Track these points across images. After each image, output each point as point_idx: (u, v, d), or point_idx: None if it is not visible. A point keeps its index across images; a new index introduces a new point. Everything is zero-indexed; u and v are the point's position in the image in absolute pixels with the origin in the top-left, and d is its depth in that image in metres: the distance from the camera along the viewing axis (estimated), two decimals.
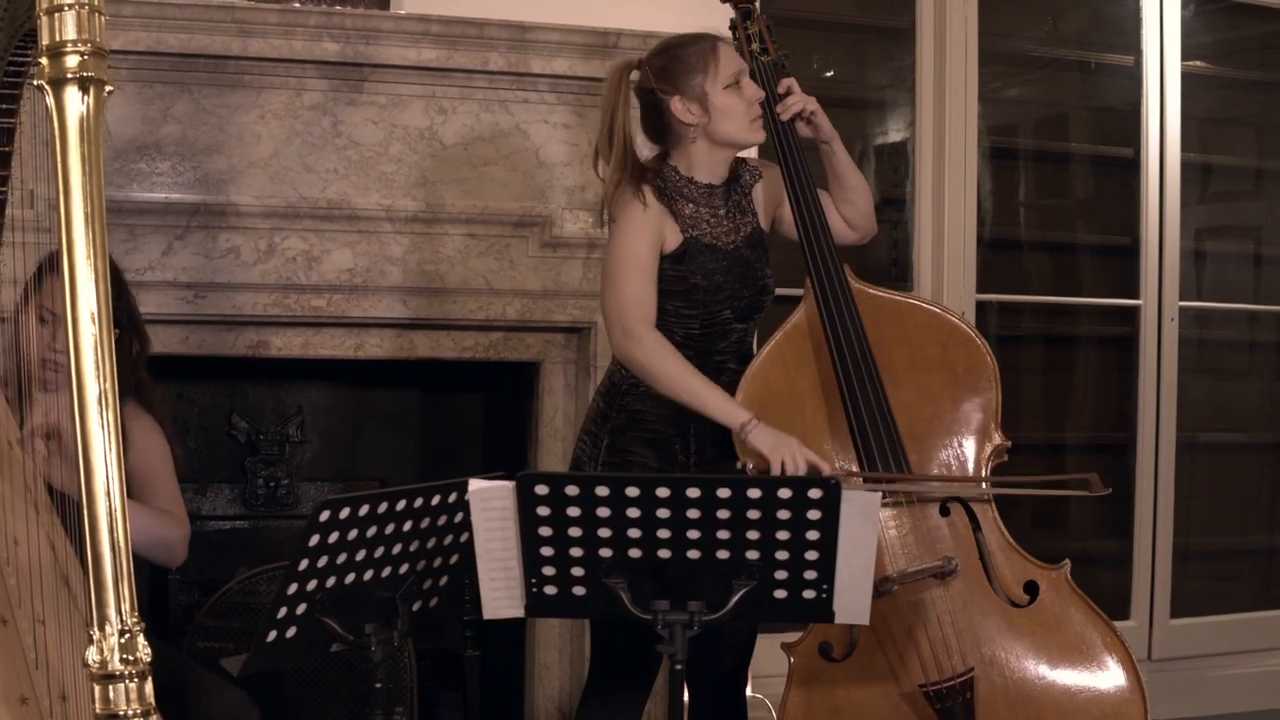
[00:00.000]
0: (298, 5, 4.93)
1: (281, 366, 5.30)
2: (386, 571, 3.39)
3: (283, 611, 3.26)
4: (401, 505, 3.32)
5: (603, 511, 3.30)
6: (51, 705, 3.04)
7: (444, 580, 3.57)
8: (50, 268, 3.58)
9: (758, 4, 4.41)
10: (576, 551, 3.35)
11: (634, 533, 3.31)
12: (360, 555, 3.30)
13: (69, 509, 3.34)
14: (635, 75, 4.14)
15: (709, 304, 4.08)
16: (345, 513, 3.22)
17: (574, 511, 3.30)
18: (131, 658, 2.28)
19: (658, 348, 3.97)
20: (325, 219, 4.96)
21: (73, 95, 2.30)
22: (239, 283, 4.90)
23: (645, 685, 4.17)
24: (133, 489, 3.61)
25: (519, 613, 3.45)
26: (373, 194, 5.02)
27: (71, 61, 2.29)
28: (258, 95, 4.93)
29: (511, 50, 5.07)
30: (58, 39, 2.29)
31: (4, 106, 2.99)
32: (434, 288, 5.07)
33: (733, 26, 4.40)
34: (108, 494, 2.28)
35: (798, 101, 4.19)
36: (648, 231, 4.02)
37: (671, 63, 4.09)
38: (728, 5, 4.42)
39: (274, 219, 4.92)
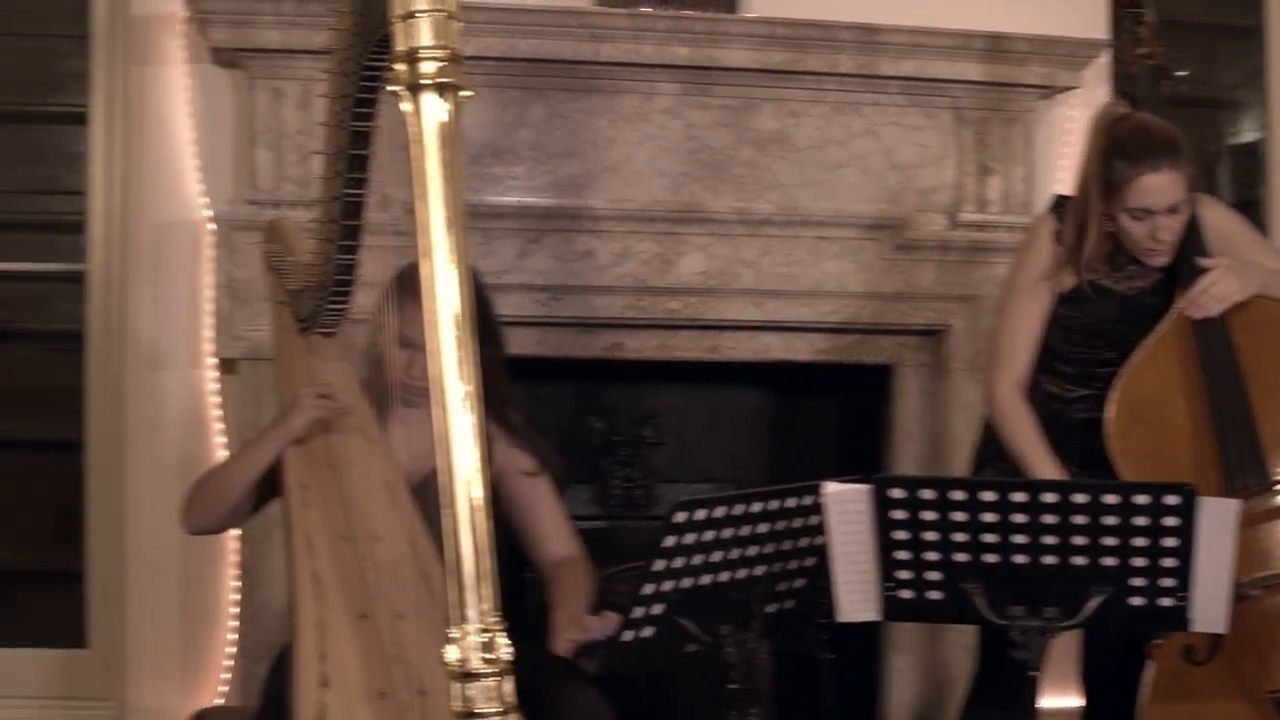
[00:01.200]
0: (647, 10, 4.97)
1: (637, 368, 5.33)
2: (742, 573, 3.39)
3: (639, 612, 3.29)
4: (757, 507, 3.33)
5: (958, 516, 3.27)
6: (410, 700, 3.09)
7: (799, 583, 3.56)
8: (404, 289, 3.60)
9: (1148, 7, 4.27)
10: (932, 556, 3.32)
11: (990, 537, 3.28)
12: (716, 557, 3.31)
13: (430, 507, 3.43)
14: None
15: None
16: (701, 514, 3.24)
17: (929, 515, 3.28)
18: (491, 657, 2.28)
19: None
20: (679, 222, 5.00)
21: (430, 101, 2.28)
22: (594, 285, 4.97)
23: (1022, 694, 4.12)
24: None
25: (874, 616, 3.44)
26: (726, 197, 5.05)
27: (428, 67, 2.27)
28: (610, 99, 5.00)
29: (860, 52, 5.05)
30: (414, 45, 2.28)
31: (361, 110, 3.03)
32: (788, 290, 5.07)
33: (1120, 27, 4.28)
34: (469, 495, 2.29)
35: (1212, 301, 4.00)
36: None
37: (1110, 155, 3.98)
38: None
39: (628, 222, 4.99)
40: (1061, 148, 5.31)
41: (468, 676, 2.28)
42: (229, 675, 5.05)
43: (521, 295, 4.90)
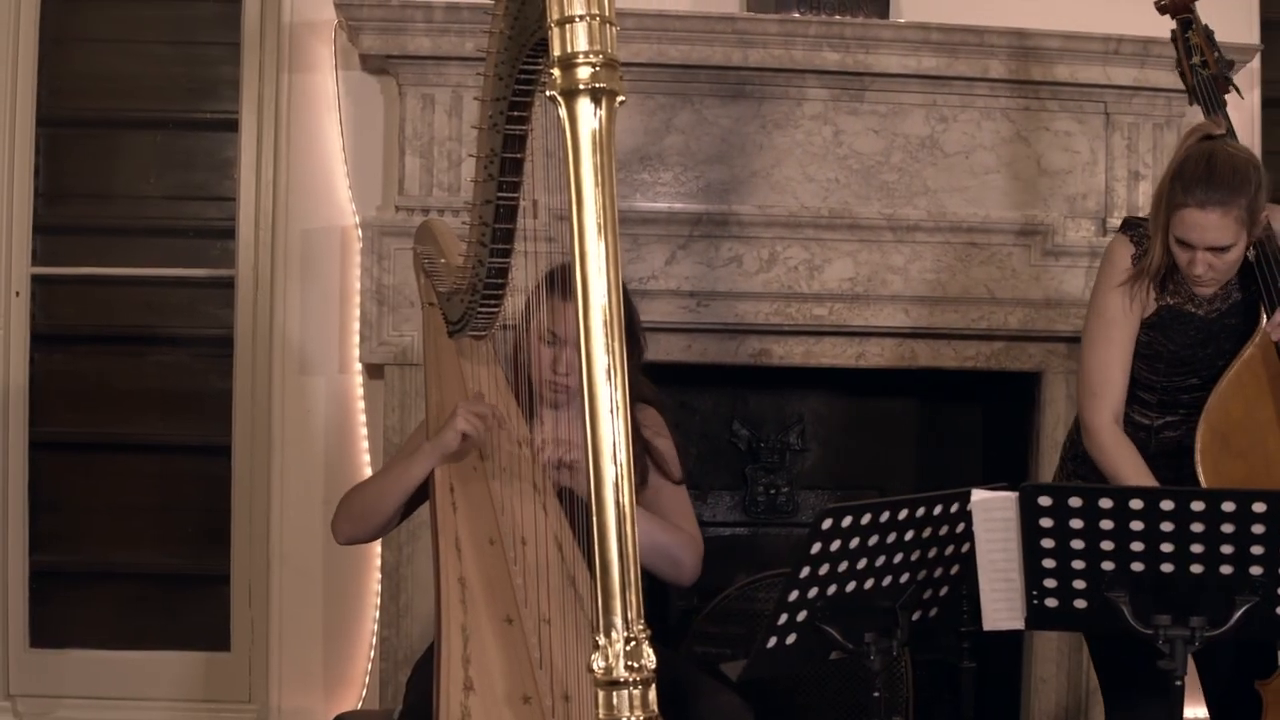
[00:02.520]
0: (798, 15, 4.95)
1: (782, 374, 5.31)
2: (887, 580, 3.37)
3: (783, 618, 3.27)
4: (903, 514, 3.30)
5: (1106, 524, 3.23)
6: (554, 705, 3.08)
7: (944, 590, 3.54)
8: (552, 288, 3.62)
9: (1197, 14, 4.20)
10: (1078, 564, 3.29)
11: (1136, 546, 3.24)
12: (861, 564, 3.29)
13: (577, 513, 3.42)
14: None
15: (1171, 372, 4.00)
16: (847, 521, 3.22)
17: (1077, 524, 3.24)
18: (636, 665, 2.26)
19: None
20: (827, 228, 4.98)
21: (585, 106, 2.27)
22: (741, 291, 4.96)
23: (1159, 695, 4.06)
24: (640, 499, 3.64)
25: (1019, 625, 3.41)
26: (873, 203, 5.03)
27: (584, 73, 2.26)
28: (759, 105, 4.99)
29: (1011, 58, 5.01)
30: (569, 50, 2.27)
31: (516, 114, 3.03)
32: (935, 297, 5.04)
33: (1173, 38, 4.21)
34: (617, 502, 2.28)
35: None
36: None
37: (1175, 176, 3.89)
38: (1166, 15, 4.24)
39: (776, 228, 4.97)
40: None
41: (612, 684, 2.27)
42: (370, 679, 5.07)
43: (669, 301, 4.90)
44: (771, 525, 5.58)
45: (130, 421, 5.31)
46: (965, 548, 3.44)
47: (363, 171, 5.09)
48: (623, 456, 2.27)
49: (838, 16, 4.97)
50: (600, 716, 2.27)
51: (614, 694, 2.27)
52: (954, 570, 3.51)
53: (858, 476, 5.69)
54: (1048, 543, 3.27)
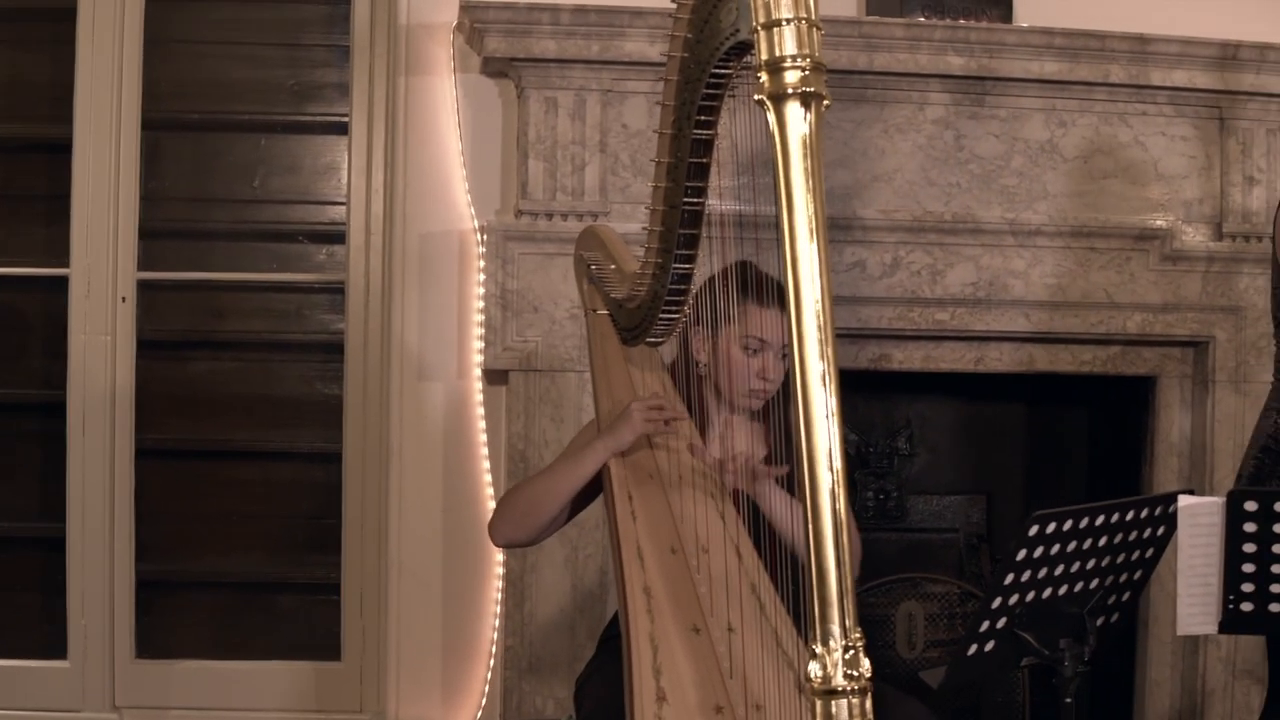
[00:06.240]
0: (923, 19, 4.94)
1: (894, 379, 5.31)
2: (1079, 586, 3.35)
3: (985, 625, 3.25)
4: (1108, 519, 3.28)
5: None
6: (747, 715, 3.05)
7: (1126, 596, 3.52)
8: (746, 292, 3.58)
9: None
10: (1278, 569, 3.28)
11: None
12: (1059, 569, 3.27)
13: (753, 519, 3.41)
14: None
15: None
16: (1052, 527, 3.19)
17: None
18: (855, 673, 2.24)
19: None
20: (949, 233, 4.98)
21: (794, 111, 2.24)
22: (864, 296, 4.95)
23: None
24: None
25: (1212, 629, 3.40)
26: (995, 207, 5.02)
27: (792, 77, 2.24)
28: (881, 109, 4.99)
29: (1132, 62, 5.01)
30: (777, 54, 2.24)
31: (703, 119, 2.99)
32: (1055, 301, 5.04)
33: None
34: (833, 510, 2.26)
35: None
36: None
37: None
38: None
39: (899, 233, 4.97)
40: None
41: (831, 693, 2.24)
42: (490, 687, 5.05)
43: None
44: (881, 530, 5.57)
45: (237, 429, 5.26)
46: (1151, 553, 3.43)
47: (482, 175, 5.06)
48: (838, 463, 2.27)
49: (963, 21, 4.96)
50: None
51: (833, 703, 2.24)
52: (1137, 575, 3.49)
53: (965, 482, 5.69)
54: (1249, 547, 3.27)
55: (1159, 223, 5.10)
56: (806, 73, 2.26)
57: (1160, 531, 3.40)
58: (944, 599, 5.11)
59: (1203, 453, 5.16)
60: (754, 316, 3.58)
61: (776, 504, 3.47)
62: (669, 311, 3.35)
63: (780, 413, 3.61)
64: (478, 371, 5.03)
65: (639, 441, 3.52)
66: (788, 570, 3.29)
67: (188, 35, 5.24)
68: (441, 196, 5.06)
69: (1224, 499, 3.27)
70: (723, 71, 2.81)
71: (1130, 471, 5.34)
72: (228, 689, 5.17)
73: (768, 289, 3.53)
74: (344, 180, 5.20)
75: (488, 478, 5.03)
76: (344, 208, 5.19)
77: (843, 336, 4.96)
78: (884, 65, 4.91)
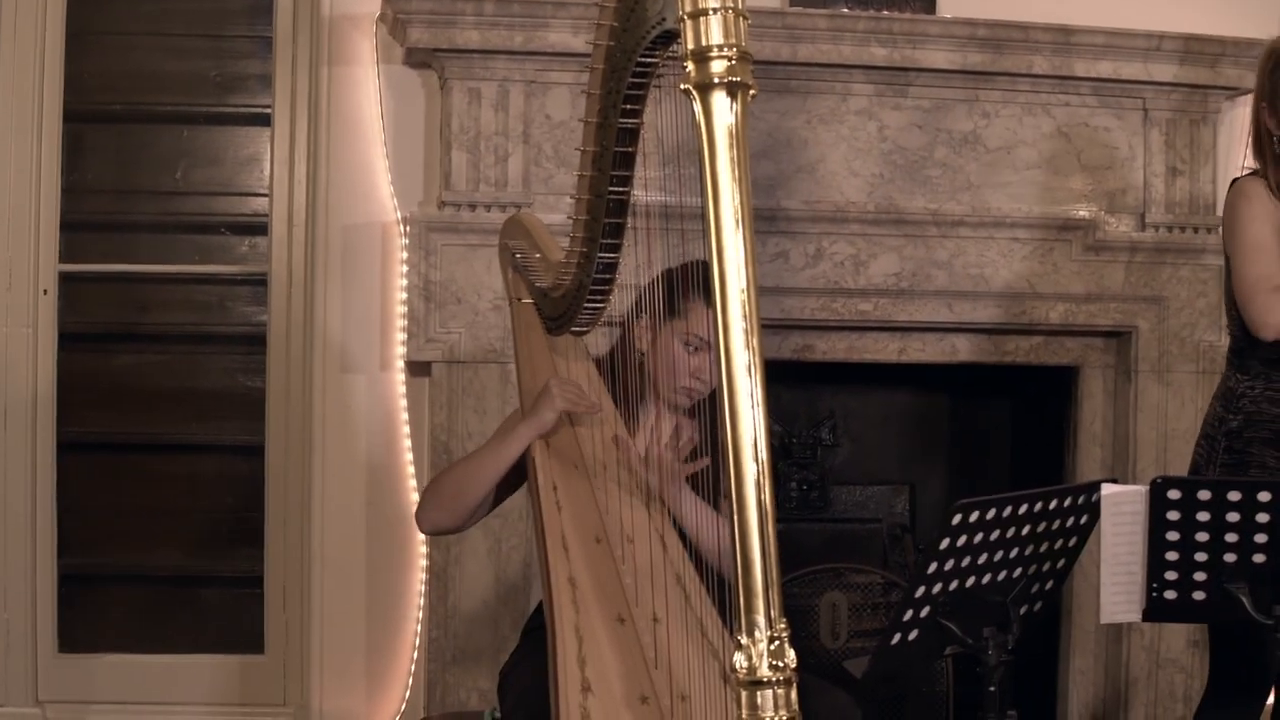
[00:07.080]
0: (846, 10, 4.94)
1: (817, 370, 5.32)
2: (1002, 575, 3.36)
3: (909, 615, 3.26)
4: (1028, 508, 3.28)
5: (1232, 517, 3.27)
6: (672, 705, 3.04)
7: (1049, 585, 3.53)
8: (688, 291, 3.55)
9: None
10: (1201, 556, 3.32)
11: (1260, 538, 3.28)
12: (983, 558, 3.27)
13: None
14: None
15: None
16: (975, 516, 3.20)
17: (1203, 516, 3.28)
18: (780, 664, 2.25)
19: None
20: (872, 224, 4.99)
21: (720, 100, 2.25)
22: (787, 287, 4.95)
23: (1262, 694, 4.08)
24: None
25: (1135, 617, 3.43)
26: (918, 198, 5.04)
27: (718, 66, 2.24)
28: (805, 100, 4.99)
29: (1055, 54, 5.03)
30: (704, 43, 2.24)
31: (629, 108, 2.97)
32: (978, 291, 5.06)
33: None
34: (758, 500, 2.25)
35: None
36: (1267, 218, 3.92)
37: (1274, 68, 3.95)
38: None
39: (822, 224, 4.98)
40: (1247, 149, 5.26)
41: (756, 684, 2.25)
42: (414, 680, 5.03)
43: None
44: (803, 520, 5.57)
45: (160, 422, 5.23)
46: (1074, 542, 3.44)
47: (405, 167, 5.03)
48: (764, 454, 2.26)
49: (885, 12, 4.97)
50: (743, 716, 2.25)
51: (758, 693, 2.24)
52: (1060, 564, 3.50)
53: (890, 471, 5.71)
54: (1173, 535, 3.30)
55: (1082, 213, 5.13)
56: (733, 62, 2.26)
57: (1083, 520, 3.41)
58: (868, 589, 5.11)
59: (1125, 443, 5.19)
60: (700, 315, 3.56)
61: (686, 508, 3.45)
62: (594, 301, 3.33)
63: (710, 407, 3.60)
64: (401, 364, 5.00)
65: (565, 432, 3.51)
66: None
67: (112, 28, 5.18)
68: (364, 188, 5.02)
69: (1147, 488, 3.29)
70: (649, 60, 2.79)
71: (1053, 461, 5.37)
72: (151, 683, 5.14)
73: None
74: (266, 172, 5.16)
75: (411, 470, 5.01)
76: (266, 199, 5.15)
77: (766, 327, 4.85)
78: (807, 56, 4.91)
